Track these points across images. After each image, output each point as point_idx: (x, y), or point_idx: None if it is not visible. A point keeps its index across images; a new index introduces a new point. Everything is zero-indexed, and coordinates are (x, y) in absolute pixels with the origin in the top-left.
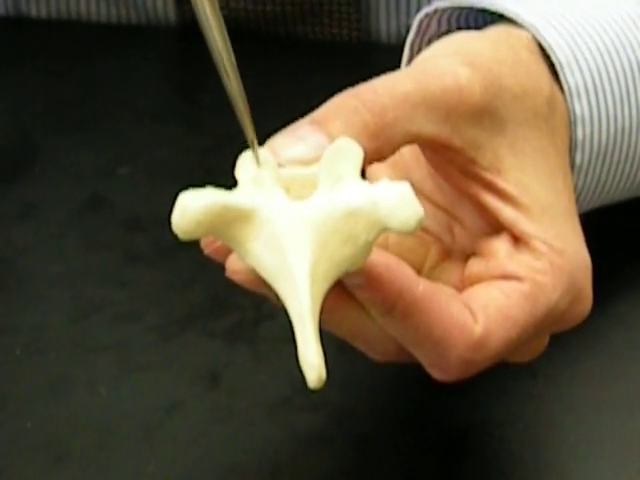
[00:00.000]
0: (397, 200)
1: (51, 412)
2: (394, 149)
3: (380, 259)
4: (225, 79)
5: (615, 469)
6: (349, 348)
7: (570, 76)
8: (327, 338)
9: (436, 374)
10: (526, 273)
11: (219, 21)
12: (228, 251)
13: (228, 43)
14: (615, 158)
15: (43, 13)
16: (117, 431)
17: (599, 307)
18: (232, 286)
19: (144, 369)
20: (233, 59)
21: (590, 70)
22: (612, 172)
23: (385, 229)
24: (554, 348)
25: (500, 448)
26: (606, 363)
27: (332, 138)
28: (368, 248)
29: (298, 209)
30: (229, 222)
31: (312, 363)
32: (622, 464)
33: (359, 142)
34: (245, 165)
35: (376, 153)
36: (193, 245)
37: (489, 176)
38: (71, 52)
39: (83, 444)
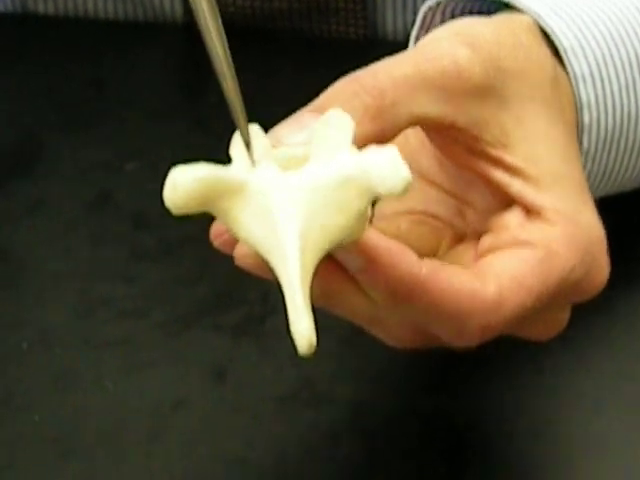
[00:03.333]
0: (385, 165)
1: (58, 407)
2: (398, 131)
3: (382, 243)
4: (214, 58)
5: (621, 465)
6: (356, 343)
7: (575, 62)
8: (334, 332)
9: (457, 344)
10: (539, 241)
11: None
12: (236, 242)
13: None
14: (622, 145)
15: (50, 10)
16: (123, 426)
17: (604, 303)
18: (238, 281)
19: (150, 365)
20: (223, 34)
21: (595, 56)
22: (619, 159)
23: (376, 196)
24: (561, 344)
25: (507, 443)
26: (613, 359)
27: None
28: (362, 217)
29: (289, 180)
30: (221, 195)
31: (302, 330)
32: (629, 460)
33: (361, 125)
34: (240, 143)
35: (380, 136)
36: (199, 241)
37: (495, 152)
38: (78, 49)
39: (89, 439)
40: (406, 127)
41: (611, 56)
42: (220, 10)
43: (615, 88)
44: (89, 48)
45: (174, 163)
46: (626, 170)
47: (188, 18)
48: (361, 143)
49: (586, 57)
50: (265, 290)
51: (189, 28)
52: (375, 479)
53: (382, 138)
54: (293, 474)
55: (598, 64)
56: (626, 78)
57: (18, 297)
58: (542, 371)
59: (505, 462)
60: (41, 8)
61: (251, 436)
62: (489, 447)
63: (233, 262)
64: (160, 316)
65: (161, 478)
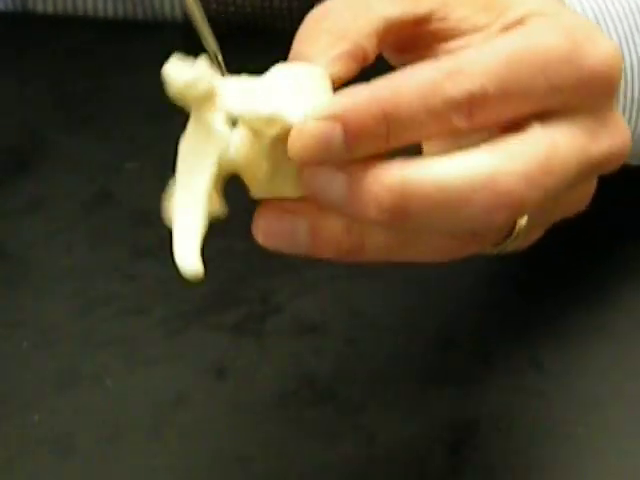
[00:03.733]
0: None
1: (58, 405)
2: (371, 50)
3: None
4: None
5: (621, 464)
6: (356, 341)
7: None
8: (334, 331)
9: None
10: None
11: None
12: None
13: None
14: (628, 97)
15: (49, 9)
16: (124, 424)
17: (605, 300)
18: (238, 281)
19: (151, 363)
20: None
21: (592, 9)
22: (626, 114)
23: None
24: (560, 342)
25: (507, 442)
26: (615, 357)
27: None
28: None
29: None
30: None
31: (184, 265)
32: (630, 459)
33: (330, 50)
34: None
35: (355, 55)
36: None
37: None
38: (78, 48)
39: (90, 437)
40: (378, 43)
41: (607, 9)
42: (220, 10)
43: (615, 39)
44: (89, 47)
45: (174, 162)
46: (633, 130)
47: (188, 17)
48: (339, 69)
49: (584, 10)
50: (265, 290)
51: (189, 27)
52: (375, 479)
53: (359, 57)
54: (293, 474)
55: (595, 14)
56: (624, 30)
57: (18, 295)
58: (542, 371)
59: (505, 462)
60: (41, 7)
61: (251, 434)
62: (489, 447)
63: (233, 262)
64: (160, 314)
65: (161, 476)
